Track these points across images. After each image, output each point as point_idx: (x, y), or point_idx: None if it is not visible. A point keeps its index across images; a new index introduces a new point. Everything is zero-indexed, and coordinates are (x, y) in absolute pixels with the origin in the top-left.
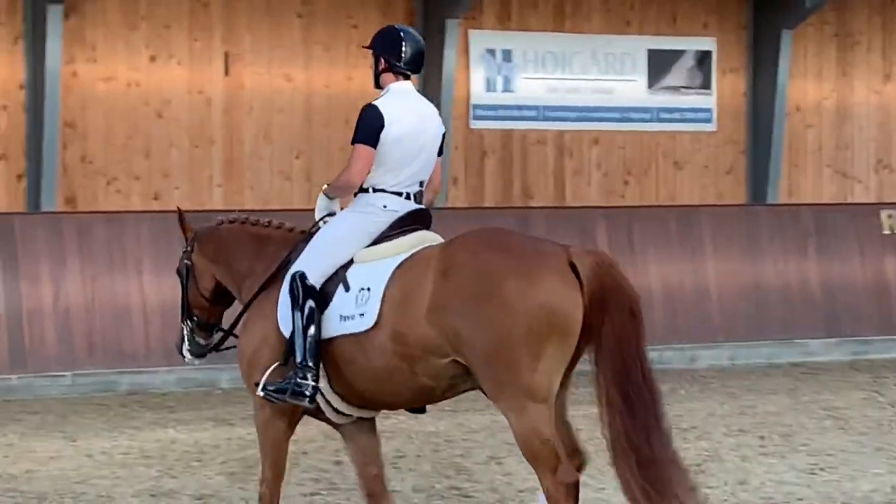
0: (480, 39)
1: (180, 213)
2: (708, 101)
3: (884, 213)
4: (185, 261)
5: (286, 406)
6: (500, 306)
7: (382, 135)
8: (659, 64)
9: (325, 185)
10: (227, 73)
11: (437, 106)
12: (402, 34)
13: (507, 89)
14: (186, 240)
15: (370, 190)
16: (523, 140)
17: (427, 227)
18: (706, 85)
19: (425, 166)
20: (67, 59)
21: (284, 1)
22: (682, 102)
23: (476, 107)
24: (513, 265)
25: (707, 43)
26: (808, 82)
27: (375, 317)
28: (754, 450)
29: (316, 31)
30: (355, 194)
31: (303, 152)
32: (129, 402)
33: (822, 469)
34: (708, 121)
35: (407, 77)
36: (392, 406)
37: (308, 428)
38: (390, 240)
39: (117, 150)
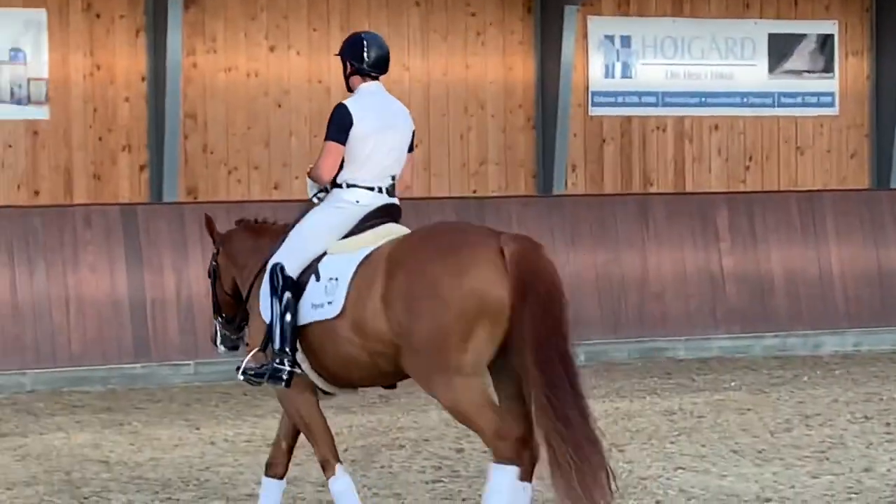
0: (599, 26)
1: (208, 220)
2: (830, 84)
3: None
4: (213, 262)
5: (306, 381)
6: (435, 300)
7: (351, 132)
8: (780, 48)
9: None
10: None
11: (556, 93)
12: (364, 40)
13: (626, 75)
14: (214, 242)
15: (343, 185)
16: (643, 126)
17: (396, 220)
18: (828, 69)
19: (396, 161)
20: (188, 51)
21: None
22: (803, 87)
23: (595, 93)
24: (447, 262)
25: (829, 26)
26: None
27: (341, 306)
28: (879, 436)
29: (434, 20)
30: (329, 189)
31: (421, 141)
32: (252, 391)
33: None
34: (830, 105)
35: (375, 78)
36: (363, 385)
37: (429, 416)
38: (360, 233)
39: (237, 140)
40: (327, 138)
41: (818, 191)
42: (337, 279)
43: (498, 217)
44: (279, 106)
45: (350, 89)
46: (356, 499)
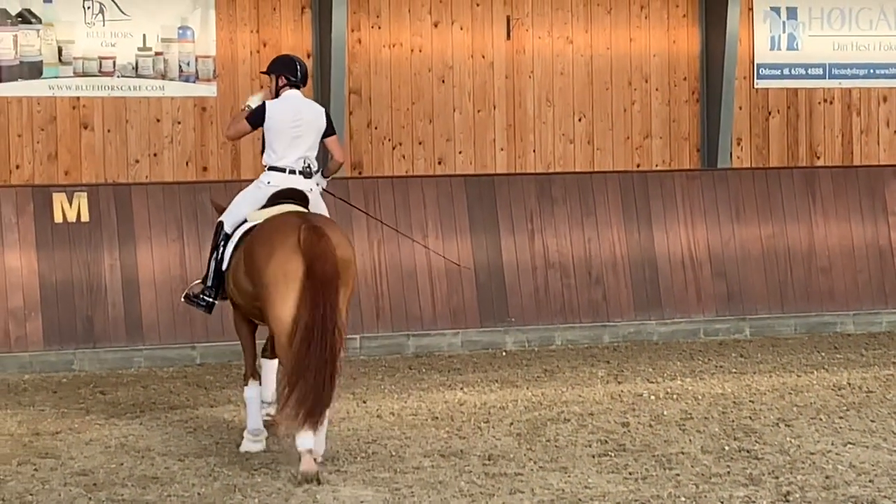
0: None
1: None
2: None
3: None
4: None
5: (241, 315)
6: (259, 272)
7: (267, 125)
8: None
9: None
10: (508, 37)
11: (720, 66)
12: (295, 61)
13: (791, 47)
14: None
15: (266, 168)
16: (809, 99)
17: (298, 200)
18: None
19: (309, 149)
20: (353, 27)
21: None
22: None
23: (760, 66)
24: (263, 250)
25: None
26: None
27: (226, 263)
28: None
29: None
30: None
31: (585, 115)
32: (417, 365)
33: None
34: None
35: (297, 87)
36: (256, 318)
37: (594, 390)
38: (268, 207)
39: (401, 116)
40: (246, 117)
41: None
42: (238, 240)
43: (662, 191)
44: (442, 81)
45: (277, 95)
46: (258, 405)
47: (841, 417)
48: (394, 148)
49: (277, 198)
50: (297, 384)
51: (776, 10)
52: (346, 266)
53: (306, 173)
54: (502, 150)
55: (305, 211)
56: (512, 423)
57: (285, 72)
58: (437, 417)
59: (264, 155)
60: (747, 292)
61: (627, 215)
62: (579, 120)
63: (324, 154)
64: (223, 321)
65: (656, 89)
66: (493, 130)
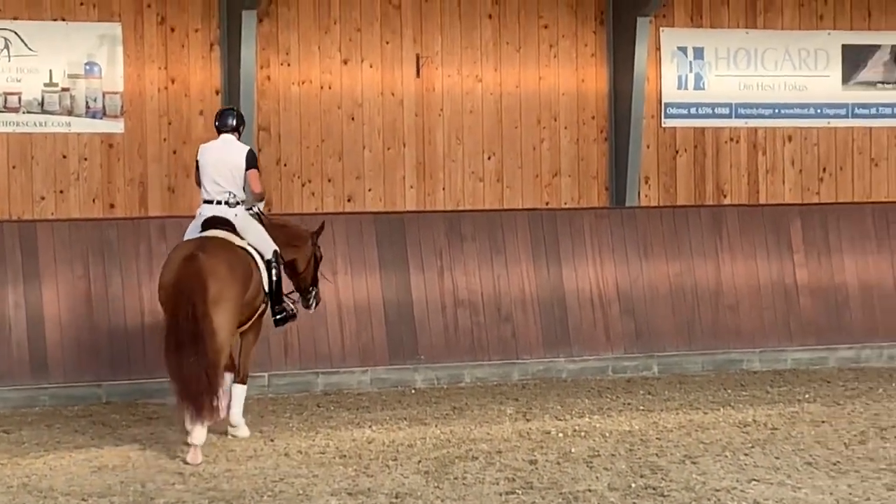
0: (672, 37)
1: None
2: None
3: None
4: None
5: None
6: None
7: (199, 164)
8: (853, 59)
9: None
10: (418, 74)
11: (628, 105)
12: (225, 110)
13: (698, 87)
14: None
15: (202, 201)
16: (716, 138)
17: (222, 225)
18: None
19: (231, 183)
20: (262, 64)
21: (475, 2)
22: (877, 98)
23: (668, 105)
24: (164, 267)
25: None
26: None
27: None
28: None
29: (506, 32)
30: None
31: (494, 153)
32: (325, 402)
33: None
34: None
35: (226, 132)
36: None
37: (502, 427)
38: (201, 232)
39: (311, 153)
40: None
41: (893, 202)
42: None
43: (571, 229)
44: (352, 118)
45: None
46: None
47: (746, 454)
48: (303, 185)
49: (207, 224)
50: (176, 388)
51: (683, 49)
52: (217, 286)
53: (230, 203)
54: (412, 187)
55: (213, 236)
56: (420, 461)
57: (217, 120)
58: (344, 455)
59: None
60: (655, 330)
61: (536, 253)
62: (489, 158)
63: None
64: (129, 360)
65: (565, 127)
66: (403, 168)
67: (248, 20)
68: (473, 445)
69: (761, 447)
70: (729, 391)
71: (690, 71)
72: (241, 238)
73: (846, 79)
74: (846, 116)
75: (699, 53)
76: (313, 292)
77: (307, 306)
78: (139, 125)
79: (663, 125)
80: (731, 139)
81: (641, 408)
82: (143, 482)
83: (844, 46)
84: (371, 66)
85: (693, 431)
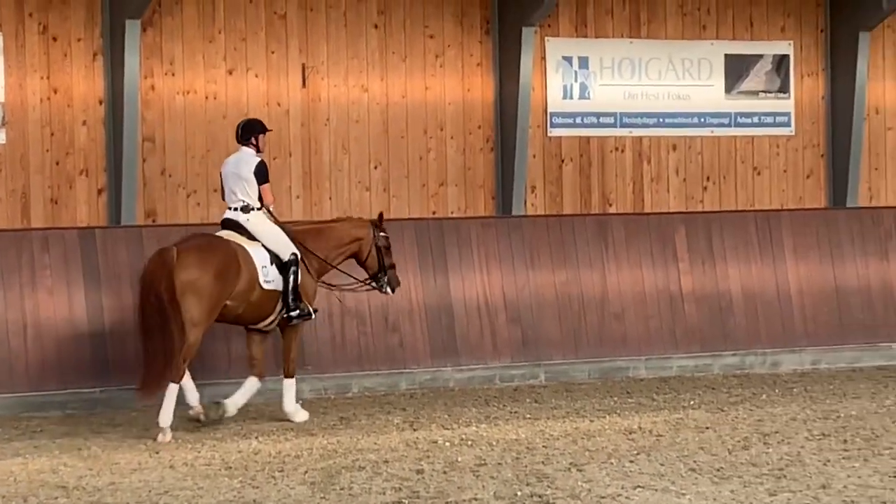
0: (557, 47)
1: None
2: (786, 105)
3: None
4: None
5: None
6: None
7: (221, 175)
8: (736, 68)
9: None
10: (304, 84)
11: (514, 114)
12: (239, 124)
13: (584, 96)
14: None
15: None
16: (601, 147)
17: (233, 228)
18: (784, 89)
19: (244, 194)
20: (146, 74)
21: (360, 11)
22: (760, 107)
23: (553, 114)
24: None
25: (784, 47)
26: (887, 84)
27: None
28: (837, 454)
29: (392, 42)
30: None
31: (381, 162)
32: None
33: None
34: (786, 125)
35: (245, 144)
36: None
37: (389, 437)
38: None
39: (196, 163)
40: None
41: (775, 210)
42: None
43: (458, 238)
44: None
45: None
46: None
47: (631, 461)
48: (188, 195)
49: (223, 226)
50: (143, 366)
51: (568, 59)
52: (184, 280)
53: (244, 209)
54: (298, 197)
55: (203, 234)
56: (306, 472)
57: (235, 133)
58: (230, 467)
59: None
60: (542, 338)
61: (423, 262)
62: (375, 167)
63: None
64: (12, 373)
65: (451, 137)
66: (290, 178)
67: (132, 29)
68: (360, 455)
69: (646, 454)
70: (615, 399)
71: (575, 80)
72: (252, 240)
73: (729, 88)
74: (729, 125)
75: (584, 63)
76: (384, 278)
77: (382, 291)
78: (21, 136)
79: (549, 134)
80: (617, 148)
81: (528, 416)
82: (26, 496)
83: (727, 56)
84: (256, 76)
85: (579, 439)
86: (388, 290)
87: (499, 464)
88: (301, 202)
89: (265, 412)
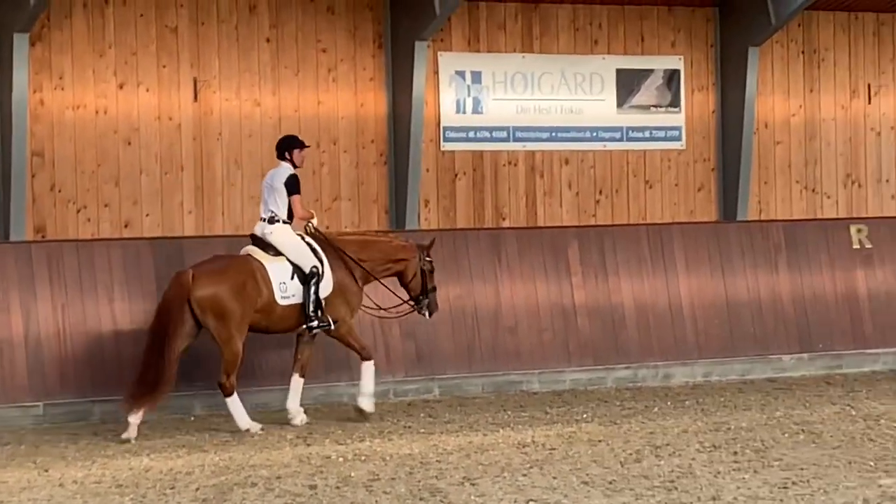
0: (450, 61)
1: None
2: (677, 119)
3: (853, 228)
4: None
5: None
6: None
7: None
8: (628, 83)
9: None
10: (195, 98)
11: (407, 129)
12: (280, 140)
13: (476, 111)
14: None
15: None
16: (494, 161)
17: (256, 242)
18: (675, 103)
19: (273, 204)
20: (34, 88)
21: (252, 25)
22: (651, 121)
23: (447, 129)
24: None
25: (675, 61)
26: (776, 99)
27: None
28: (727, 465)
29: (285, 56)
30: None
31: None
32: (102, 431)
33: (794, 483)
34: (677, 139)
35: (282, 159)
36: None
37: (282, 453)
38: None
39: (86, 178)
40: None
41: (667, 224)
42: None
43: None
44: (129, 143)
45: None
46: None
47: (524, 475)
48: (78, 211)
49: (252, 241)
50: (138, 373)
51: (461, 73)
52: (201, 300)
53: (271, 220)
54: (190, 212)
55: (222, 256)
56: (198, 489)
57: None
58: (121, 485)
59: None
60: (436, 353)
61: None
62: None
63: None
64: None
65: (345, 151)
66: (181, 193)
67: (20, 43)
68: (253, 472)
69: (539, 467)
70: (509, 412)
71: (468, 95)
72: (277, 254)
73: (621, 102)
74: (621, 140)
75: (477, 77)
76: (425, 301)
77: (422, 313)
78: None
79: (442, 149)
80: (510, 162)
81: (422, 430)
82: None
83: (619, 71)
84: (148, 90)
85: (472, 453)
86: (427, 313)
87: (392, 479)
88: (193, 217)
89: (157, 428)
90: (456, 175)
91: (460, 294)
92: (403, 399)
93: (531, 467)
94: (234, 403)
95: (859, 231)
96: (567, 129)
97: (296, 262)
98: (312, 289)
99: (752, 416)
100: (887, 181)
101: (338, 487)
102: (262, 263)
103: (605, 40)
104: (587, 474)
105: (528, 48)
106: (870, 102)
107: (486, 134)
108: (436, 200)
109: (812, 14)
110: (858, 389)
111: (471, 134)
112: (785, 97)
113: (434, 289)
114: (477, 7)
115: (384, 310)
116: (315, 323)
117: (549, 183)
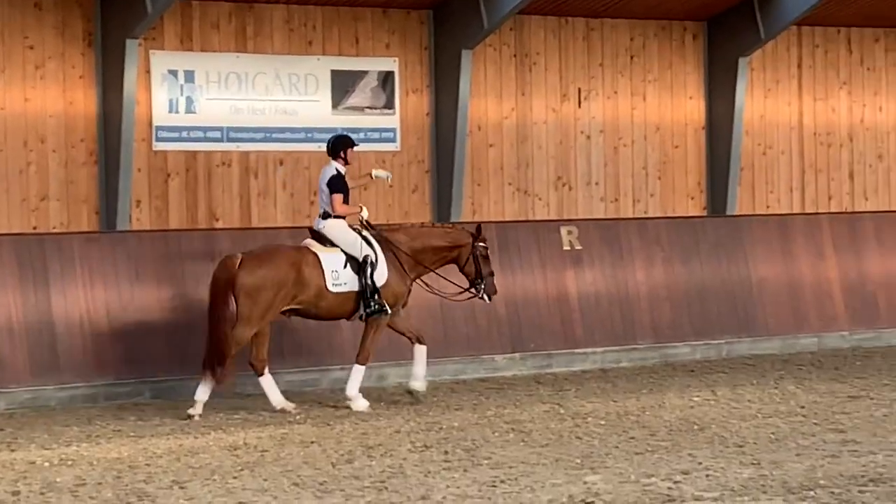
0: (162, 60)
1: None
2: (392, 120)
3: (563, 230)
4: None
5: None
6: None
7: None
8: (342, 84)
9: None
10: None
11: (118, 128)
12: (331, 139)
13: (190, 110)
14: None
15: None
16: (208, 161)
17: (312, 235)
18: (390, 105)
19: (324, 202)
20: None
21: None
22: (366, 122)
23: (159, 128)
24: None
25: (389, 63)
26: (488, 102)
27: None
28: (438, 464)
29: None
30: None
31: None
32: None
33: (502, 481)
34: (392, 140)
35: (334, 158)
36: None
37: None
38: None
39: None
40: None
41: (387, 226)
42: None
43: (60, 254)
44: None
45: None
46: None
47: (235, 477)
48: None
49: (310, 234)
50: (207, 352)
51: (174, 73)
52: (241, 283)
53: (323, 216)
54: None
55: (274, 245)
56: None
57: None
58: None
59: None
60: (148, 355)
61: (24, 278)
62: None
63: None
64: None
65: (53, 150)
66: None
67: None
68: None
69: (250, 470)
70: (220, 415)
71: (181, 94)
72: (330, 245)
73: (336, 103)
74: None
75: (190, 77)
76: (482, 285)
77: (480, 297)
78: None
79: (155, 148)
80: (224, 163)
81: (132, 434)
82: None
83: (334, 72)
84: None
85: (182, 456)
86: (486, 297)
87: (99, 483)
88: None
89: None
90: (169, 175)
91: (173, 295)
92: (114, 402)
93: (242, 470)
94: (268, 384)
95: (570, 233)
96: (282, 130)
97: (348, 252)
98: (368, 277)
99: (463, 416)
100: (596, 184)
101: (42, 493)
102: (315, 254)
103: (320, 41)
104: (298, 476)
105: (241, 48)
106: (580, 106)
107: (200, 134)
108: (148, 201)
109: (524, 18)
110: (567, 388)
111: (184, 134)
112: (498, 100)
113: (492, 273)
114: (190, 6)
115: (446, 296)
116: (369, 308)
117: (263, 184)
